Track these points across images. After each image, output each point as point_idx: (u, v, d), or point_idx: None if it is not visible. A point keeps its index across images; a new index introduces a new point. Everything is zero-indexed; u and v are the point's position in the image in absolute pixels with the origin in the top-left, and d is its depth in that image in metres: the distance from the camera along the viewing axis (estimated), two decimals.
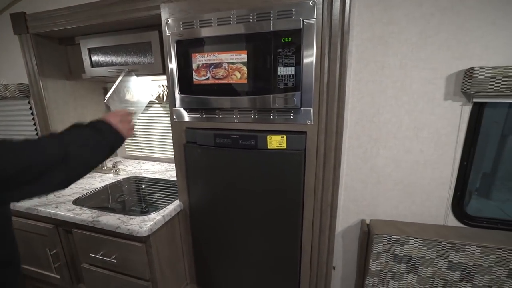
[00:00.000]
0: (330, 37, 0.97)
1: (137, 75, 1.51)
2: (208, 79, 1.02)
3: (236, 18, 0.97)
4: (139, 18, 1.23)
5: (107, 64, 1.54)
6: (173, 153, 1.22)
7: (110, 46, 1.49)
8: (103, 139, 0.78)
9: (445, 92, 0.99)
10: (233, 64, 0.98)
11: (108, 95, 1.64)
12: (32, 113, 1.78)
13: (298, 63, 0.91)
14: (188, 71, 1.05)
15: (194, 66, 1.03)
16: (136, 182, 1.61)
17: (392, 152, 1.09)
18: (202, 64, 1.02)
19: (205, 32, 0.99)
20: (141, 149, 2.01)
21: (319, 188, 1.11)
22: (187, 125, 1.15)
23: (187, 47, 1.02)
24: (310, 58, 0.92)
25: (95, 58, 1.56)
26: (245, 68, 0.97)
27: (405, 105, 1.04)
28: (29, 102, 1.76)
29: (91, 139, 0.75)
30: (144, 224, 1.07)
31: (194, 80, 1.05)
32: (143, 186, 1.55)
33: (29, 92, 1.67)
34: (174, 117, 1.16)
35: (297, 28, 0.89)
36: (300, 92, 0.93)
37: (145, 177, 1.64)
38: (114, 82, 1.52)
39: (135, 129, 1.96)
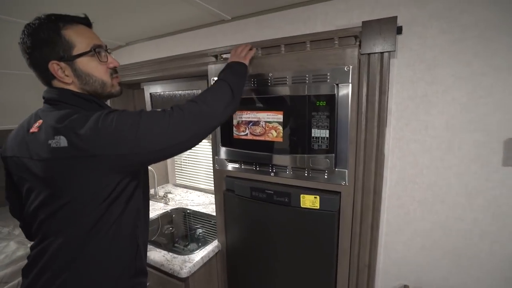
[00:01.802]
0: (367, 96, 0.97)
1: None
2: (246, 135, 1.10)
3: (273, 80, 1.03)
4: (190, 72, 1.39)
5: (164, 107, 1.74)
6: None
7: (168, 92, 1.70)
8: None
9: (505, 158, 0.89)
10: (269, 123, 1.03)
11: None
12: None
13: (332, 126, 0.93)
14: (229, 126, 1.14)
15: (235, 122, 1.12)
16: (183, 214, 1.75)
17: (440, 217, 1.00)
18: (242, 120, 1.10)
19: (246, 93, 1.07)
20: (189, 179, 2.18)
21: (355, 248, 1.07)
22: (227, 174, 1.23)
23: None
24: (344, 121, 0.93)
25: (155, 101, 1.79)
26: (280, 128, 1.01)
27: (453, 168, 0.96)
28: None
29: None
30: (184, 265, 1.16)
31: (234, 134, 1.13)
32: (188, 219, 1.68)
33: None
34: (216, 165, 1.25)
35: (331, 93, 0.91)
36: (334, 154, 0.94)
37: (191, 210, 1.77)
38: None
39: (186, 160, 2.14)
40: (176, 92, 1.65)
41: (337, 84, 0.91)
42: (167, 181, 2.33)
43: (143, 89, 1.84)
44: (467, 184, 0.95)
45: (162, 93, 1.73)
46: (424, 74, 0.96)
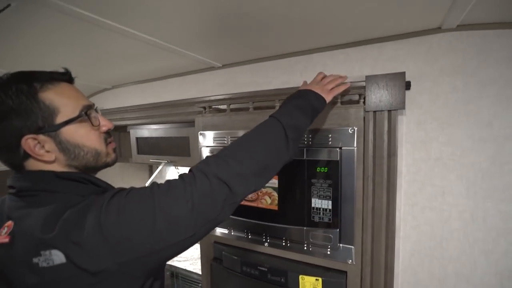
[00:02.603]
0: (374, 159, 0.85)
1: (175, 166, 1.55)
2: None
3: None
4: (177, 120, 1.29)
5: (150, 153, 1.62)
6: None
7: (155, 138, 1.57)
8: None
9: None
10: (263, 188, 0.90)
11: (148, 182, 1.70)
12: None
13: (335, 197, 0.79)
14: None
15: None
16: (168, 273, 1.55)
17: None
18: None
19: None
20: None
21: None
22: (215, 239, 1.07)
23: None
24: (349, 192, 0.80)
25: (141, 146, 1.66)
26: (275, 194, 0.88)
27: (479, 243, 0.82)
28: None
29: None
30: None
31: None
32: (176, 280, 1.49)
33: None
34: None
35: (334, 159, 0.79)
36: (338, 229, 0.80)
37: (177, 268, 1.57)
38: (159, 164, 1.58)
39: None
40: (164, 137, 1.53)
41: (340, 148, 0.79)
42: None
43: (129, 132, 1.72)
44: (497, 263, 0.80)
45: (149, 137, 1.61)
46: (437, 133, 0.84)
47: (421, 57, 0.85)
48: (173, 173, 1.79)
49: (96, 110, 0.60)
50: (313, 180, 0.81)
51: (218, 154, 0.58)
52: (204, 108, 1.08)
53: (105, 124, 0.60)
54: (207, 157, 0.58)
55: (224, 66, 1.19)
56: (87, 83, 1.54)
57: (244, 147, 0.59)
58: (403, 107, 0.81)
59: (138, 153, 1.67)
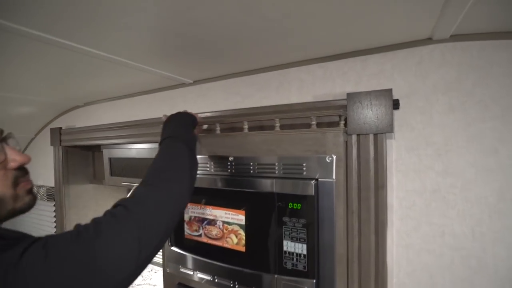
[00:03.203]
0: (359, 191, 0.72)
1: None
2: (200, 236, 0.82)
3: (234, 166, 0.78)
4: (145, 140, 1.17)
5: (124, 175, 1.48)
6: None
7: (128, 158, 1.45)
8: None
9: None
10: (228, 225, 0.76)
11: None
12: (55, 216, 1.78)
13: (311, 240, 0.65)
14: (180, 222, 0.86)
15: (186, 217, 0.85)
16: None
17: None
18: (195, 217, 0.83)
19: (199, 181, 0.81)
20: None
21: None
22: (180, 280, 0.92)
23: None
24: (328, 233, 0.65)
25: (114, 167, 1.53)
26: (242, 233, 0.74)
27: None
28: (54, 205, 1.76)
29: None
30: None
31: (185, 233, 0.85)
32: None
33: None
34: (167, 268, 0.95)
35: (308, 194, 0.65)
36: (314, 280, 0.65)
37: None
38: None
39: None
40: (137, 158, 1.40)
41: (317, 180, 0.66)
42: None
43: (102, 152, 1.60)
44: None
45: (122, 158, 1.48)
46: (433, 161, 0.71)
47: (410, 71, 0.73)
48: None
49: (4, 140, 0.46)
50: (284, 219, 0.67)
51: (144, 183, 0.55)
52: None
53: (15, 159, 0.45)
54: (135, 188, 0.54)
55: (196, 82, 1.07)
56: (56, 101, 1.43)
57: (164, 168, 0.59)
58: (391, 130, 0.69)
59: (111, 174, 1.54)
